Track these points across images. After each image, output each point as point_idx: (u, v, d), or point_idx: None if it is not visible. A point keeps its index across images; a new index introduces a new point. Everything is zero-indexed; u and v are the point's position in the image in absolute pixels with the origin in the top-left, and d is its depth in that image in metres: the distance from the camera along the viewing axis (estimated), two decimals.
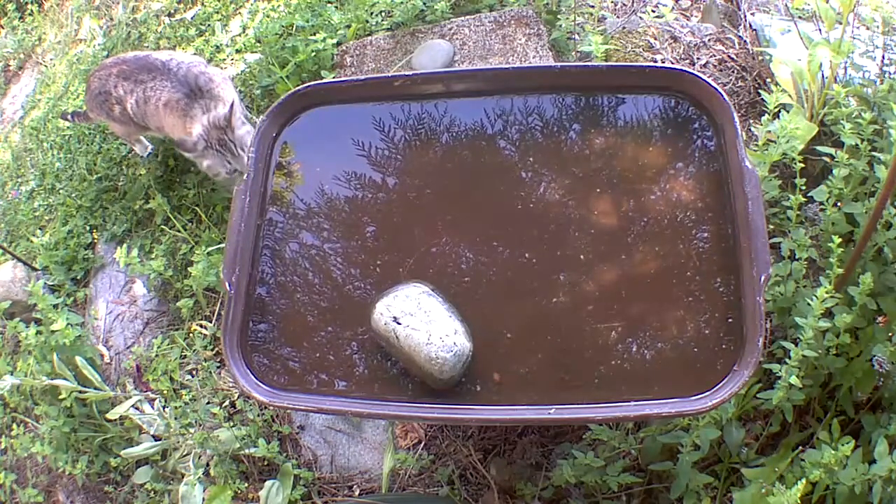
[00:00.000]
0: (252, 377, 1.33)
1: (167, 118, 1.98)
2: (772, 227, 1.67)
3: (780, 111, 1.66)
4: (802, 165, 1.54)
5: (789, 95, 1.80)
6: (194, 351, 1.96)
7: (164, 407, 1.85)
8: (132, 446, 1.85)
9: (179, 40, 2.72)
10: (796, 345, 1.34)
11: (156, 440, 1.85)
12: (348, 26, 2.37)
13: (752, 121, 1.99)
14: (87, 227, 2.35)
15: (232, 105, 1.93)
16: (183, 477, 1.76)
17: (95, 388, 1.87)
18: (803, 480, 1.22)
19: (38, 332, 1.94)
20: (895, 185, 1.25)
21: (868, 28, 1.98)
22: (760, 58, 2.08)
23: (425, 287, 1.34)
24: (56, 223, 2.41)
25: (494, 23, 2.21)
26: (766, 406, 1.46)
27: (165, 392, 1.88)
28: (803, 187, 1.52)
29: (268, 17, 2.56)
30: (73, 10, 3.28)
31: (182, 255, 2.14)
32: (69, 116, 2.35)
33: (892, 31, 1.92)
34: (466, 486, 1.68)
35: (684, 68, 1.47)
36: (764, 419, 1.58)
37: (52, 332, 1.92)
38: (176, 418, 1.78)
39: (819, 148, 1.62)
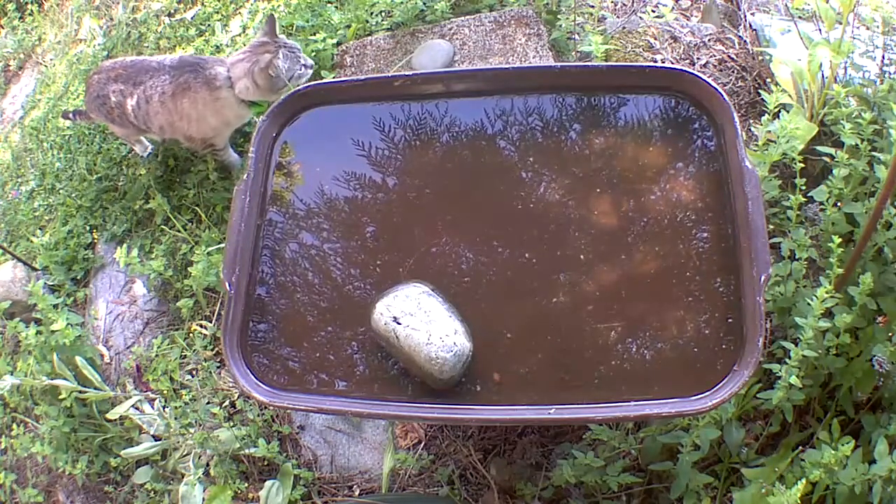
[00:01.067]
0: (252, 377, 1.33)
1: (182, 103, 1.97)
2: (772, 227, 1.67)
3: (780, 111, 1.66)
4: (802, 165, 1.54)
5: (789, 95, 1.80)
6: (194, 351, 1.96)
7: (164, 407, 1.85)
8: (132, 446, 1.85)
9: (179, 40, 2.71)
10: (796, 345, 1.34)
11: (156, 440, 1.85)
12: (348, 26, 2.37)
13: (752, 121, 1.99)
14: (87, 227, 2.35)
15: (271, 17, 1.93)
16: (183, 477, 1.76)
17: (95, 388, 1.87)
18: (803, 480, 1.22)
19: (38, 332, 1.94)
20: (895, 185, 1.25)
21: (868, 28, 1.98)
22: (760, 58, 2.08)
23: (425, 287, 1.34)
24: (56, 223, 2.41)
25: (494, 23, 2.21)
26: (766, 406, 1.46)
27: (165, 392, 1.88)
28: (803, 187, 1.52)
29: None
30: (73, 10, 3.27)
31: (182, 255, 2.14)
32: (71, 115, 2.35)
33: (892, 31, 1.91)
34: (466, 486, 1.68)
35: (684, 68, 1.47)
36: (764, 419, 1.58)
37: (52, 332, 1.92)
38: (176, 418, 1.78)
39: (819, 148, 1.62)
